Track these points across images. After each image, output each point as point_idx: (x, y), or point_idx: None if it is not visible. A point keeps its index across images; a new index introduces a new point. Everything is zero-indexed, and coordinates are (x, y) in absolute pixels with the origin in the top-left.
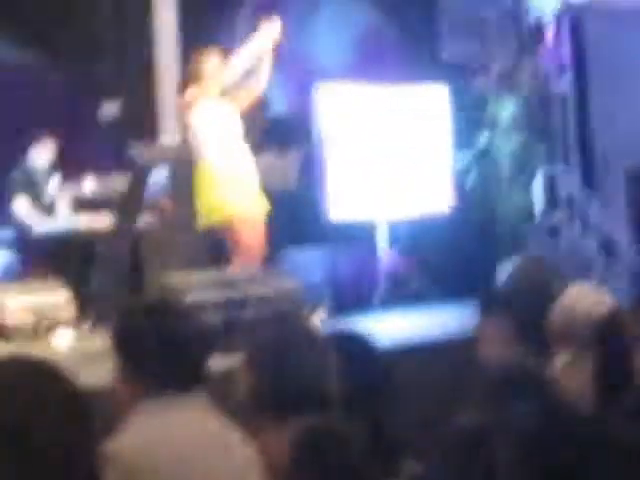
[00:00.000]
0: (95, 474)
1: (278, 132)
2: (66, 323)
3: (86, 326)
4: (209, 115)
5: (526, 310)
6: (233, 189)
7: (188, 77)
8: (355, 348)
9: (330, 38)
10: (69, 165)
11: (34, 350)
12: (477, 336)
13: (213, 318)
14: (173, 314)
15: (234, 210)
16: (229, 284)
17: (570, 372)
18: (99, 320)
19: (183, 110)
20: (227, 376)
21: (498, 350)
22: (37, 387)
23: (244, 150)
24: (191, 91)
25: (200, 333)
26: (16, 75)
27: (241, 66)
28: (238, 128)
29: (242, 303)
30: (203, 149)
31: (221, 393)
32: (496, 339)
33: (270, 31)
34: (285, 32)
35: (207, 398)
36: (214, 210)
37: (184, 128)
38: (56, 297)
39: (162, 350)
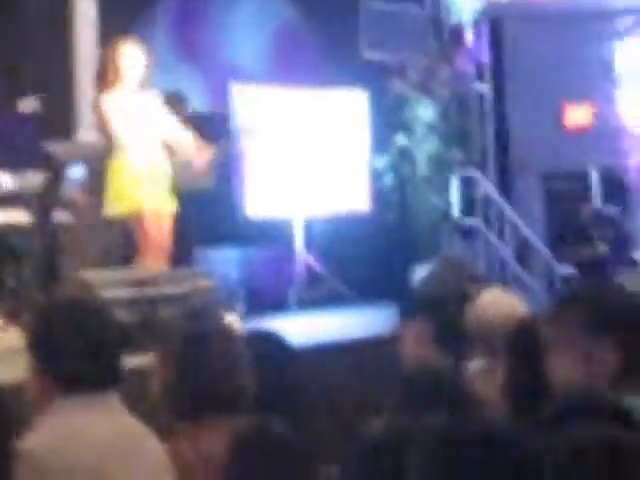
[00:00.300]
0: (8, 472)
1: (196, 129)
2: None
3: None
4: (123, 106)
5: (445, 313)
6: (141, 181)
7: (105, 65)
8: (270, 347)
9: (248, 35)
10: None
11: None
12: (397, 337)
13: (127, 316)
14: (87, 311)
15: (141, 202)
16: (144, 282)
17: (484, 377)
18: (12, 316)
19: (98, 103)
20: (140, 375)
21: (418, 352)
22: None
23: (156, 144)
24: (106, 84)
25: (115, 331)
26: None
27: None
28: (153, 120)
29: (157, 301)
30: (116, 140)
31: (134, 393)
32: (415, 341)
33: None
34: (203, 28)
35: (120, 398)
36: (121, 200)
37: (99, 121)
38: None
39: (76, 347)
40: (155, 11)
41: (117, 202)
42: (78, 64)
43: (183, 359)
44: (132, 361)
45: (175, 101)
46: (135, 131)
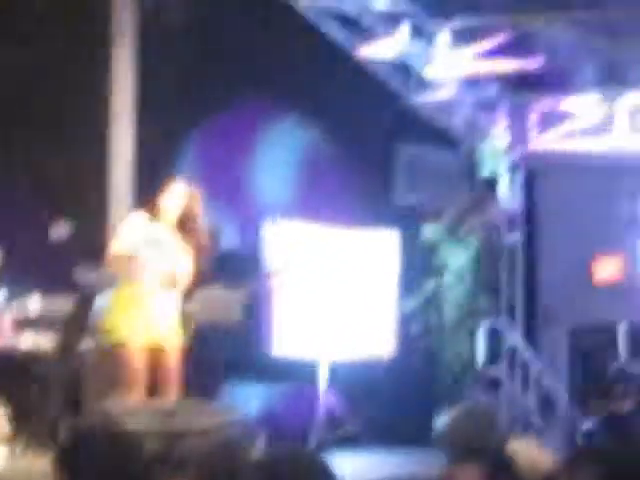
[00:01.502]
0: None
1: (227, 265)
2: (1, 440)
3: (19, 444)
4: (140, 231)
5: (494, 458)
6: (132, 314)
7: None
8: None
9: (281, 172)
10: (15, 282)
11: None
12: None
13: (152, 447)
14: (113, 440)
15: (126, 334)
16: (169, 414)
17: None
18: (33, 439)
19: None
20: None
21: None
22: None
23: (160, 277)
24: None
25: (141, 461)
26: None
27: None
28: (163, 253)
29: (181, 434)
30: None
31: None
32: None
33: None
34: (235, 165)
35: None
36: (110, 330)
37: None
38: None
39: (102, 476)
40: (191, 144)
41: (109, 331)
42: (113, 194)
43: None
44: None
45: (210, 234)
46: (140, 261)
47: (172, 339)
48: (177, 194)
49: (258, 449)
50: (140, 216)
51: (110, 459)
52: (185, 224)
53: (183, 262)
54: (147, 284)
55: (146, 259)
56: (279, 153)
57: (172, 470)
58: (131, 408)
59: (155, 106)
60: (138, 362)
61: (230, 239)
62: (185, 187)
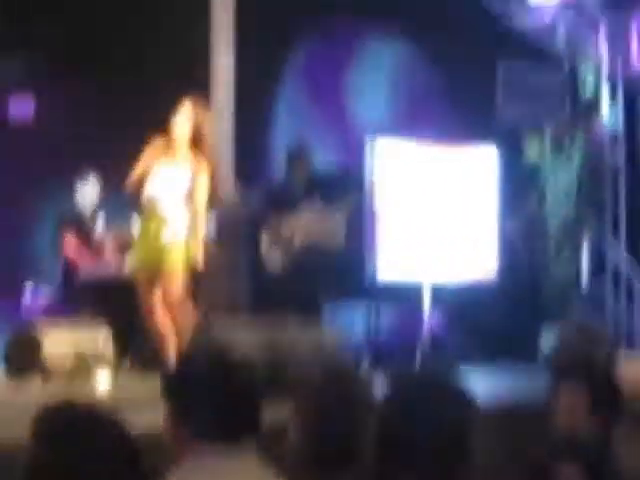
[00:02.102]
0: None
1: (326, 188)
2: (106, 363)
3: (125, 367)
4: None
5: (599, 377)
6: (142, 243)
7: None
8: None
9: (382, 91)
10: (116, 207)
11: (74, 391)
12: (551, 402)
13: (259, 371)
14: (226, 362)
15: (135, 265)
16: (275, 338)
17: (627, 443)
18: (139, 362)
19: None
20: (276, 428)
21: (573, 417)
22: (90, 432)
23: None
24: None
25: (252, 382)
26: (71, 114)
27: None
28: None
29: (288, 357)
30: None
31: (269, 444)
32: (568, 406)
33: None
34: (336, 81)
35: (257, 449)
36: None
37: None
38: (97, 337)
39: (214, 398)
40: (290, 64)
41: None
42: (216, 120)
43: (318, 413)
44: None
45: (298, 156)
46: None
47: (172, 262)
48: (185, 114)
49: (363, 372)
50: (156, 144)
51: (222, 379)
52: (197, 143)
53: (198, 183)
54: (160, 214)
55: (159, 188)
56: (379, 73)
57: (280, 394)
58: (236, 330)
59: (253, 30)
60: (145, 293)
61: (332, 159)
62: (193, 106)
